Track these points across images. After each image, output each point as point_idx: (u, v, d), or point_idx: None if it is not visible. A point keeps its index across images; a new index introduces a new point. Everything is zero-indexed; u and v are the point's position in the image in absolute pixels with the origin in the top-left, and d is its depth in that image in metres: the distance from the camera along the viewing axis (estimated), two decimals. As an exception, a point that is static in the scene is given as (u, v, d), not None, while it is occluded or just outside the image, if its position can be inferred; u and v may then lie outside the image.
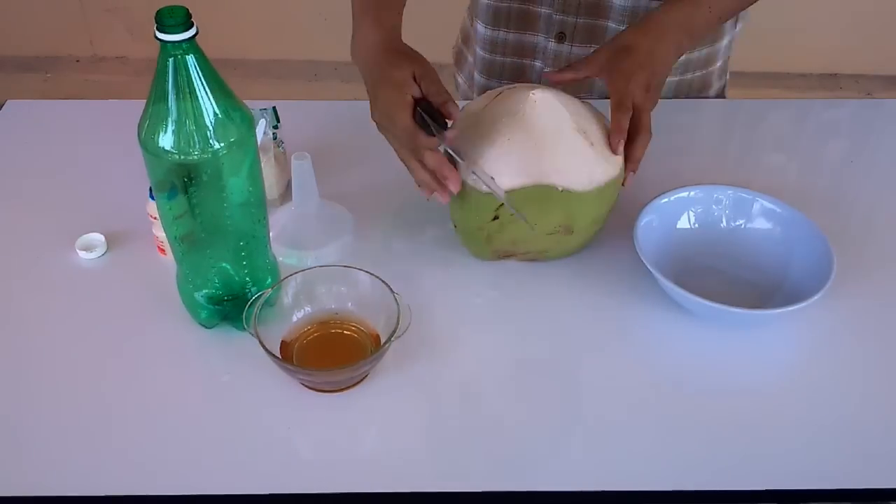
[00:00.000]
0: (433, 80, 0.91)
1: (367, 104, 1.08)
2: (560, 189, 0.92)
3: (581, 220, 0.96)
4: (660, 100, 1.00)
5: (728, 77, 1.39)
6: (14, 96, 1.32)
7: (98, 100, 1.33)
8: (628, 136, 0.95)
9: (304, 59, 3.02)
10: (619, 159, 0.95)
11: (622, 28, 1.22)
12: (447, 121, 0.91)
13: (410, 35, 1.01)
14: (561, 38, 1.25)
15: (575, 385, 0.89)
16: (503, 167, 0.92)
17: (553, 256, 1.02)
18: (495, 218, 0.94)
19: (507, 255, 1.01)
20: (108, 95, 1.42)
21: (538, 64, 1.30)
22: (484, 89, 1.36)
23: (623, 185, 0.97)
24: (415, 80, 0.91)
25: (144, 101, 0.78)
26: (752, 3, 1.08)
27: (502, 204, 0.92)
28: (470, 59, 1.41)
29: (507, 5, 1.26)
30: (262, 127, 1.05)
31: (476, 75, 1.38)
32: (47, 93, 2.96)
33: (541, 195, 0.92)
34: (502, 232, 0.96)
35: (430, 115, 0.90)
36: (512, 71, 1.33)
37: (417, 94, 0.91)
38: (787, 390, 0.89)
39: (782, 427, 0.85)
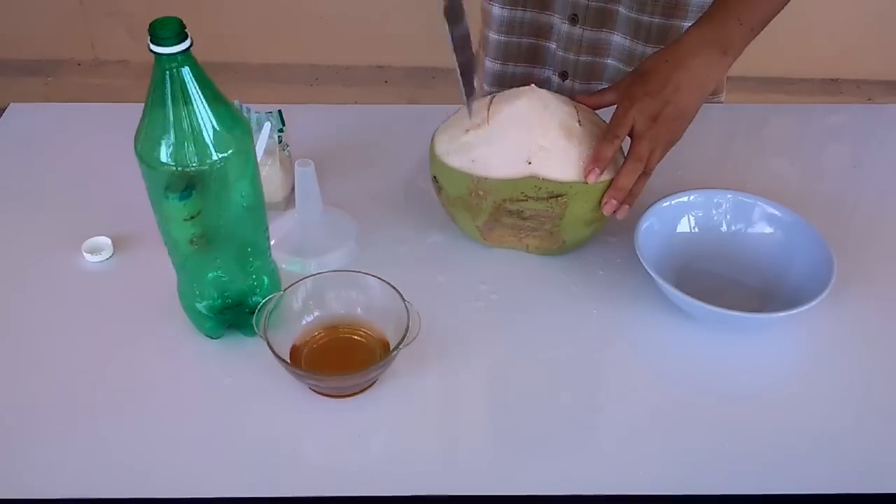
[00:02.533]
0: None
1: (369, 108, 1.08)
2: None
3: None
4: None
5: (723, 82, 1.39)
6: (15, 100, 1.33)
7: (101, 103, 1.33)
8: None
9: (306, 62, 3.03)
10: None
11: (632, 15, 1.23)
12: None
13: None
14: (574, 20, 1.26)
15: (578, 389, 0.90)
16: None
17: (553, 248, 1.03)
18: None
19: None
20: (109, 99, 1.42)
21: (552, 45, 1.31)
22: (497, 76, 1.36)
23: (601, 206, 0.96)
24: None
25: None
26: (782, 8, 1.03)
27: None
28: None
29: (520, 14, 1.27)
30: (266, 130, 1.05)
31: (487, 62, 1.38)
32: (49, 96, 2.96)
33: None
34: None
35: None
36: (528, 53, 1.33)
37: None
38: (788, 394, 0.89)
39: (783, 431, 0.85)
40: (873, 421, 0.86)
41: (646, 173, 0.96)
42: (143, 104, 0.78)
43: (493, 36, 1.34)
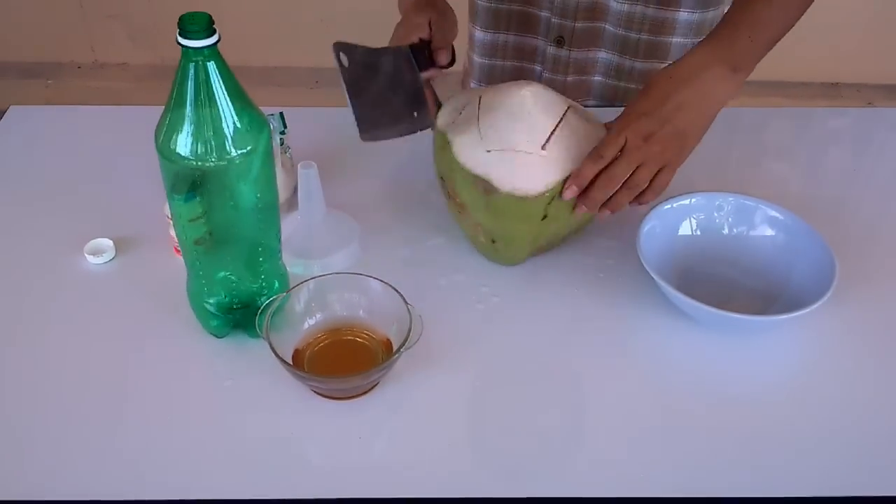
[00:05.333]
0: (442, 29, 1.04)
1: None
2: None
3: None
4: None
5: None
6: (16, 102, 1.33)
7: (101, 105, 1.33)
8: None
9: (306, 65, 3.03)
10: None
11: (619, 32, 1.23)
12: (440, 66, 1.04)
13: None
14: (560, 42, 1.26)
15: (580, 392, 0.90)
16: (537, 167, 0.93)
17: (573, 235, 1.04)
18: (544, 217, 0.95)
19: (541, 251, 1.03)
20: (109, 102, 1.42)
21: (538, 68, 1.31)
22: None
23: (573, 210, 0.95)
24: (430, 26, 1.03)
25: (149, 106, 0.79)
26: (793, 25, 0.98)
27: (550, 201, 0.93)
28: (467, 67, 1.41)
29: (507, 7, 1.27)
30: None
31: (472, 84, 1.38)
32: (49, 99, 2.96)
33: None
34: (546, 227, 0.97)
35: (417, 55, 1.02)
36: (512, 75, 1.33)
37: (426, 37, 1.03)
38: (790, 397, 0.89)
39: (785, 434, 0.85)
40: (876, 423, 0.86)
41: (630, 189, 0.93)
42: (146, 106, 0.78)
43: (476, 59, 1.34)
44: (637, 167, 0.92)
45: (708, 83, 0.93)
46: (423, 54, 1.03)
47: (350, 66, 0.96)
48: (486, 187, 0.93)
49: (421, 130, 1.01)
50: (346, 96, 0.95)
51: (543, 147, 0.93)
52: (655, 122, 0.91)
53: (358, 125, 0.96)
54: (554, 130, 0.93)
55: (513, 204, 0.93)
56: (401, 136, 1.00)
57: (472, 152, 0.94)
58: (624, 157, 0.91)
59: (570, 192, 0.92)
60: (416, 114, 1.01)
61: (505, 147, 0.93)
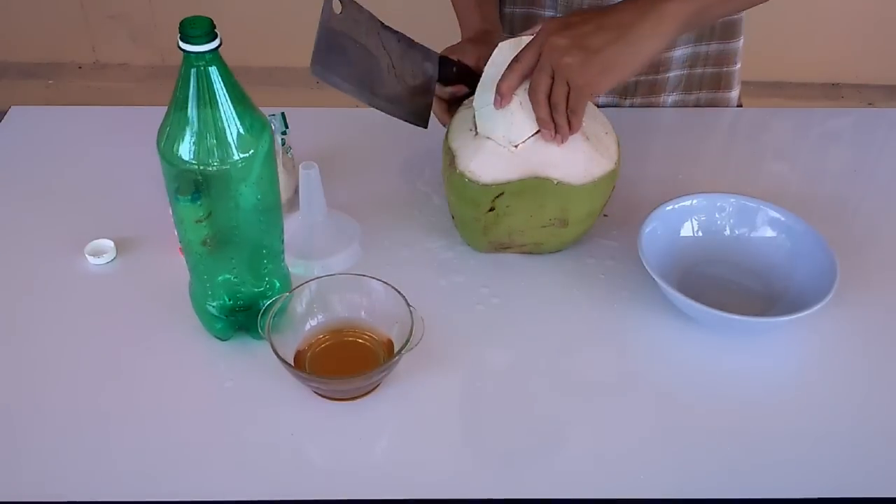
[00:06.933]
0: (465, 55, 1.09)
1: (370, 112, 1.09)
2: (555, 182, 0.93)
3: (576, 212, 0.97)
4: (666, 107, 0.96)
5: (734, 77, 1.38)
6: (17, 103, 1.33)
7: (102, 106, 1.33)
8: None
9: (307, 66, 3.02)
10: (613, 153, 0.96)
11: None
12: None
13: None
14: None
15: (581, 393, 0.89)
16: (499, 160, 0.94)
17: (548, 249, 1.04)
18: (491, 209, 0.96)
19: (503, 247, 1.03)
20: (110, 102, 1.42)
21: None
22: None
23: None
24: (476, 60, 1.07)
25: (150, 107, 0.79)
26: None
27: (499, 195, 0.95)
28: None
29: (509, 10, 1.27)
30: (270, 133, 1.05)
31: None
32: (50, 99, 2.96)
33: (536, 188, 0.94)
34: (498, 223, 0.99)
35: (444, 67, 1.08)
36: None
37: (467, 63, 1.09)
38: (791, 398, 0.89)
39: (784, 435, 0.85)
40: (876, 424, 0.86)
41: (556, 106, 0.90)
42: (147, 107, 0.78)
43: None
44: (553, 82, 0.90)
45: (617, 13, 0.90)
46: (450, 70, 1.07)
47: (345, 19, 1.00)
48: (451, 160, 0.97)
49: (400, 118, 1.06)
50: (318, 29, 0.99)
51: (517, 146, 0.93)
52: (561, 23, 0.89)
53: (313, 55, 1.00)
54: (536, 134, 0.94)
55: (463, 185, 0.96)
56: (369, 104, 1.04)
57: (460, 124, 0.99)
58: (537, 71, 0.91)
59: (499, 102, 0.93)
60: (411, 100, 1.05)
61: (483, 133, 0.95)
